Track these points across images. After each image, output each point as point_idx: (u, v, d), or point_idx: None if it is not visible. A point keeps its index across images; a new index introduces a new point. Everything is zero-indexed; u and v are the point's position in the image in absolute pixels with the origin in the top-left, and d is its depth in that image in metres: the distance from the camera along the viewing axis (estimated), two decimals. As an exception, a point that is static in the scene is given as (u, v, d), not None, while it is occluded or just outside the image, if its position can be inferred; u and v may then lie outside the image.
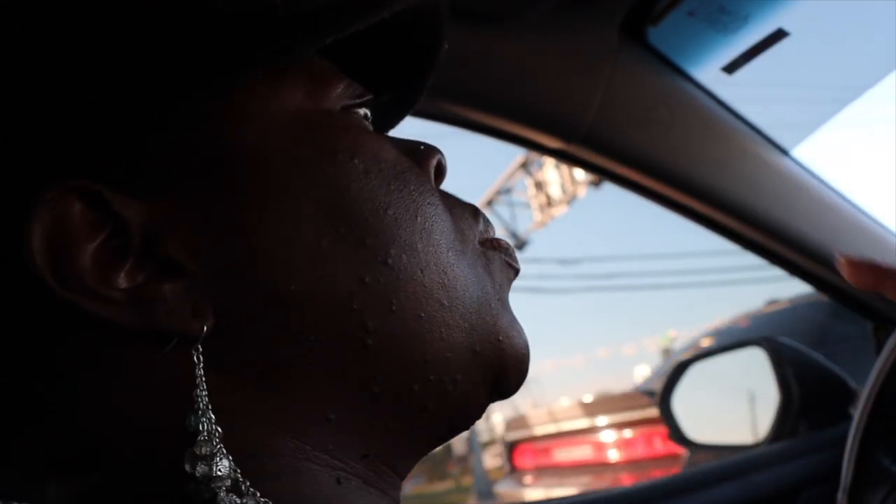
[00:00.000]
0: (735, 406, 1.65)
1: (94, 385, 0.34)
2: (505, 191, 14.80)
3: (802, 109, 1.20)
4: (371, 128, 0.42)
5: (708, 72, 1.01)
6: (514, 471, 4.82)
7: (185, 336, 0.33)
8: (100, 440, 0.34)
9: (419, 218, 0.39)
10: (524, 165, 14.01)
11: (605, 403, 4.08)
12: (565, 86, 0.94)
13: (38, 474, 0.36)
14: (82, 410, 0.34)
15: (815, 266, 1.21)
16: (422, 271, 0.38)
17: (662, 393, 1.58)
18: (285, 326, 0.35)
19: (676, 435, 1.54)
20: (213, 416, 0.33)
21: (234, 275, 0.34)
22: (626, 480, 3.40)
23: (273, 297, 0.35)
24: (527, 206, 14.63)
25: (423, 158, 0.44)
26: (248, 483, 0.33)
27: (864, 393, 1.12)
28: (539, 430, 4.49)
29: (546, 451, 4.45)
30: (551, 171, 13.67)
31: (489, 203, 14.84)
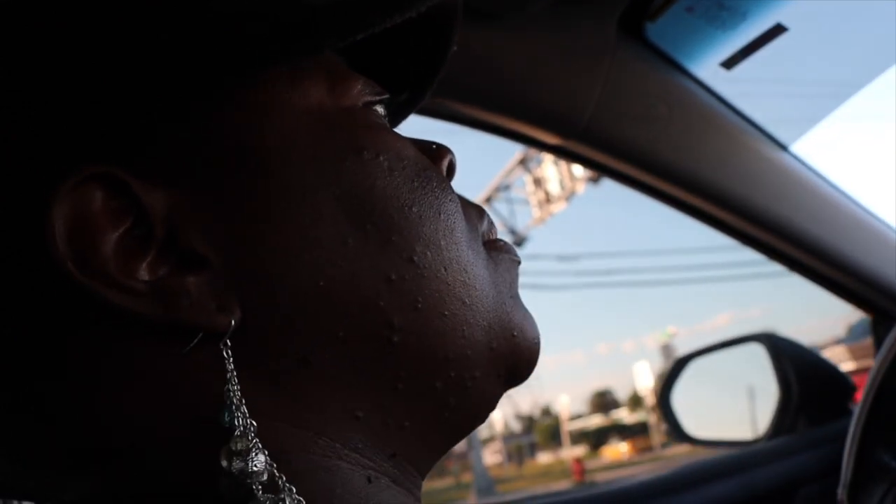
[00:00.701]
0: (735, 402, 1.65)
1: (115, 381, 0.34)
2: (504, 187, 14.82)
3: (801, 105, 1.20)
4: (388, 126, 0.42)
5: (706, 67, 1.01)
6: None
7: (212, 330, 0.33)
8: (121, 437, 0.34)
9: (442, 215, 0.39)
10: (523, 162, 14.03)
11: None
12: (564, 82, 0.94)
13: (57, 472, 0.36)
14: (103, 406, 0.34)
15: (813, 261, 1.21)
16: (445, 269, 0.38)
17: (662, 389, 1.59)
18: (312, 323, 0.35)
19: (676, 431, 1.54)
20: (246, 411, 0.32)
21: (258, 270, 0.34)
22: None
23: (299, 294, 0.34)
24: (525, 202, 14.66)
25: (437, 157, 0.44)
26: (284, 478, 0.32)
27: (865, 388, 1.12)
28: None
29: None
30: (550, 168, 13.70)
31: (488, 200, 14.86)
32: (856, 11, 1.05)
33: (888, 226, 1.24)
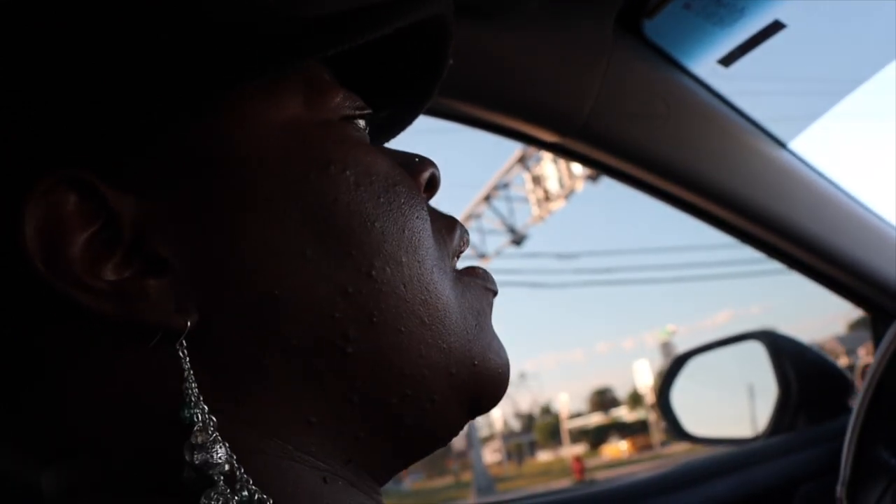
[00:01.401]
0: (734, 400, 1.65)
1: (82, 377, 0.35)
2: (503, 185, 14.81)
3: (799, 102, 1.20)
4: (367, 139, 0.43)
5: (704, 64, 1.01)
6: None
7: (169, 330, 0.34)
8: (89, 431, 0.35)
9: (406, 232, 0.39)
10: (522, 160, 14.03)
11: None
12: (561, 80, 0.94)
13: (30, 466, 0.37)
14: (72, 402, 0.35)
15: (812, 258, 1.20)
16: (405, 286, 0.39)
17: (660, 387, 1.58)
18: (267, 329, 0.36)
19: (675, 429, 1.54)
20: (205, 406, 0.34)
21: (218, 275, 0.35)
22: None
23: (256, 300, 0.36)
24: (525, 200, 14.65)
25: (417, 171, 0.44)
26: (242, 470, 0.34)
27: (863, 386, 1.12)
28: None
29: None
30: (549, 166, 13.69)
31: (487, 198, 14.86)
32: (854, 8, 1.05)
33: (887, 223, 1.24)
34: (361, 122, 0.43)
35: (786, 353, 1.38)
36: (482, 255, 15.01)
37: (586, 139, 1.00)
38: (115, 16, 0.34)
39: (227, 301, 0.35)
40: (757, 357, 1.41)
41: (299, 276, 0.36)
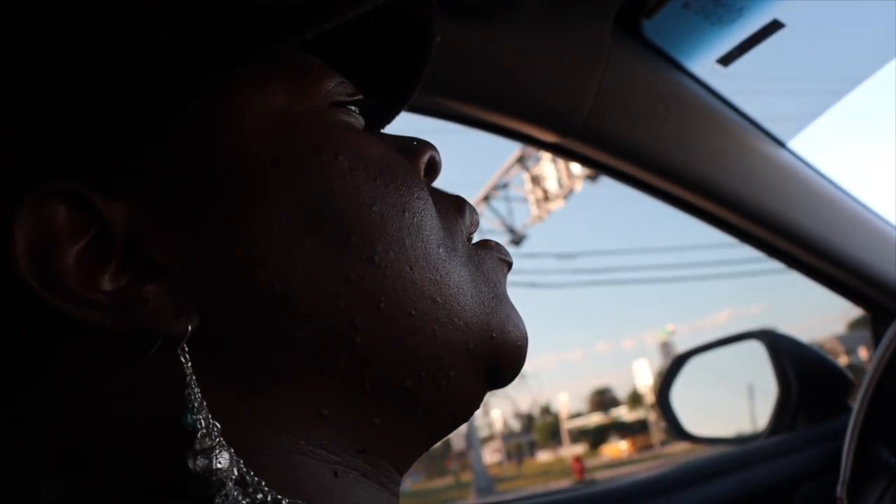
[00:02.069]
0: (734, 399, 1.65)
1: (85, 388, 0.34)
2: (502, 186, 14.82)
3: (798, 101, 1.20)
4: (360, 124, 0.42)
5: (703, 64, 1.01)
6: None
7: (170, 336, 0.33)
8: (94, 442, 0.34)
9: (407, 213, 0.39)
10: (521, 160, 14.03)
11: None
12: (560, 79, 0.94)
13: (28, 477, 0.36)
14: (75, 414, 0.34)
15: (812, 258, 1.20)
16: (411, 268, 0.38)
17: (660, 387, 1.58)
18: (271, 325, 0.35)
19: (675, 429, 1.54)
20: (208, 412, 0.33)
21: (216, 276, 0.35)
22: None
23: (257, 297, 0.35)
24: (524, 200, 14.66)
25: (415, 154, 0.44)
26: (252, 473, 0.33)
27: (863, 385, 1.12)
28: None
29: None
30: (548, 166, 13.70)
31: (486, 198, 14.86)
32: (853, 7, 1.05)
33: (886, 222, 1.23)
34: (354, 108, 0.42)
35: (786, 353, 1.38)
36: (481, 256, 14.95)
37: (585, 139, 1.00)
38: (88, 24, 0.33)
39: (228, 300, 0.35)
40: (757, 357, 1.41)
41: (299, 267, 0.36)
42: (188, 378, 0.33)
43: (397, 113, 0.52)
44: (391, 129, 0.51)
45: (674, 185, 1.08)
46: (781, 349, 1.38)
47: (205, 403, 0.33)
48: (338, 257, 0.36)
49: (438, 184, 0.46)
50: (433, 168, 0.45)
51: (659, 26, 0.94)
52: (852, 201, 1.20)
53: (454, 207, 0.43)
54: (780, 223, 1.14)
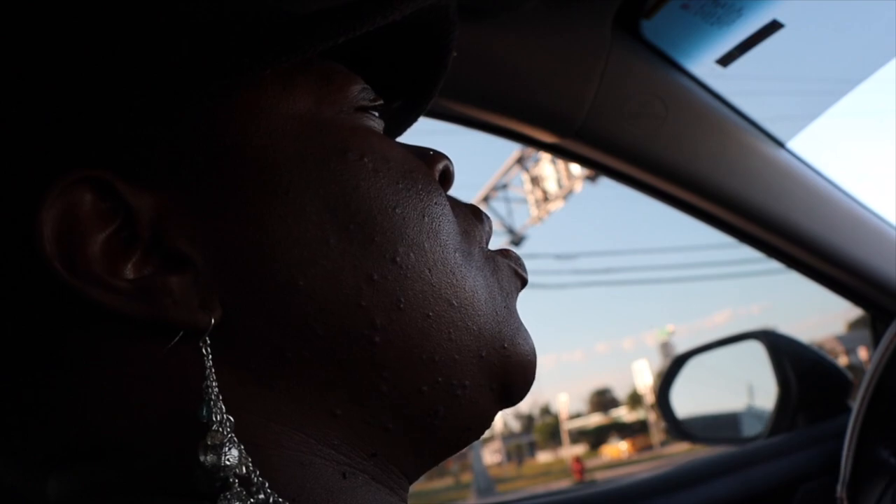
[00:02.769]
0: (734, 399, 1.65)
1: (101, 377, 0.35)
2: (501, 186, 14.82)
3: (798, 101, 1.20)
4: (381, 128, 0.43)
5: (702, 65, 1.01)
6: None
7: (193, 328, 0.34)
8: (107, 432, 0.35)
9: (426, 217, 0.39)
10: (520, 161, 14.04)
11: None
12: (560, 80, 0.94)
13: (43, 466, 0.37)
14: (89, 403, 0.35)
15: (811, 258, 1.20)
16: (430, 270, 0.38)
17: (660, 387, 1.58)
18: (292, 321, 0.35)
19: (675, 429, 1.54)
20: (223, 406, 0.33)
21: (240, 269, 0.35)
22: None
23: (279, 292, 0.35)
24: (523, 201, 14.67)
25: (431, 162, 0.44)
26: (258, 472, 0.33)
27: (863, 385, 1.12)
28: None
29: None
30: (547, 167, 13.71)
31: (486, 199, 14.87)
32: (852, 7, 1.05)
33: (886, 222, 1.23)
34: (375, 114, 0.43)
35: (785, 353, 1.38)
36: (481, 256, 14.96)
37: (585, 140, 1.00)
38: (125, 11, 0.34)
39: (251, 294, 0.35)
40: (756, 357, 1.41)
41: (323, 264, 0.36)
42: (207, 370, 0.34)
43: (410, 123, 0.52)
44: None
45: (673, 185, 1.08)
46: (781, 349, 1.38)
47: (220, 397, 0.33)
48: (361, 256, 0.37)
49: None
50: (447, 178, 0.46)
51: (658, 27, 0.94)
52: (851, 201, 1.20)
53: (472, 214, 0.44)
54: (779, 223, 1.14)
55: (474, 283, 0.40)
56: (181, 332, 0.34)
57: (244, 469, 0.33)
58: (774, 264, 1.26)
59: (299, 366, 0.36)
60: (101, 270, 0.33)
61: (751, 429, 1.54)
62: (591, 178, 13.04)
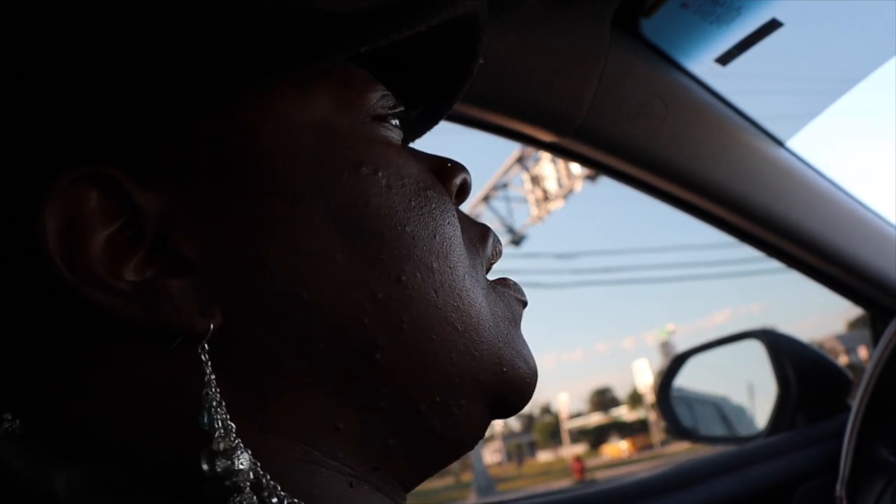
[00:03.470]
0: (734, 398, 1.65)
1: (101, 380, 0.34)
2: (501, 186, 14.82)
3: (797, 100, 1.20)
4: (399, 138, 0.42)
5: (702, 63, 1.01)
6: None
7: (192, 334, 0.33)
8: (108, 434, 0.34)
9: (437, 238, 0.39)
10: (520, 160, 14.04)
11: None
12: (559, 80, 0.94)
13: (45, 466, 0.36)
14: (90, 404, 0.34)
15: (811, 257, 1.20)
16: (436, 292, 0.38)
17: (660, 386, 1.58)
18: (293, 333, 0.35)
19: (675, 428, 1.54)
20: (226, 412, 0.33)
21: (243, 277, 0.34)
22: None
23: (282, 303, 0.35)
24: (523, 200, 14.66)
25: (448, 176, 0.43)
26: (268, 476, 0.33)
27: (862, 384, 1.12)
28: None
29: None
30: (547, 166, 13.70)
31: (486, 198, 14.87)
32: (851, 6, 1.05)
33: (885, 221, 1.23)
34: (394, 122, 0.42)
35: (785, 352, 1.38)
36: (481, 256, 14.95)
37: (584, 139, 1.00)
38: (124, 13, 0.33)
39: (253, 303, 0.34)
40: (756, 356, 1.41)
41: (329, 279, 0.35)
42: (207, 377, 0.33)
43: (429, 128, 0.52)
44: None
45: (673, 184, 1.08)
46: (781, 348, 1.38)
47: (223, 404, 0.33)
48: (367, 272, 0.36)
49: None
50: (464, 191, 0.45)
51: (657, 26, 0.94)
52: (851, 200, 1.20)
53: (479, 237, 0.44)
54: (779, 222, 1.14)
55: (479, 309, 0.40)
56: (180, 338, 0.33)
57: (252, 474, 0.32)
58: (774, 263, 1.26)
59: (299, 379, 0.35)
60: (102, 270, 0.32)
61: (738, 421, 1.55)
62: (591, 178, 13.03)
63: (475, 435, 0.41)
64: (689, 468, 1.19)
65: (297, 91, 0.37)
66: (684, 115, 1.03)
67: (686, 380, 1.54)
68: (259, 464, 0.33)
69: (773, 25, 0.94)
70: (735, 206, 1.12)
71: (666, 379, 1.57)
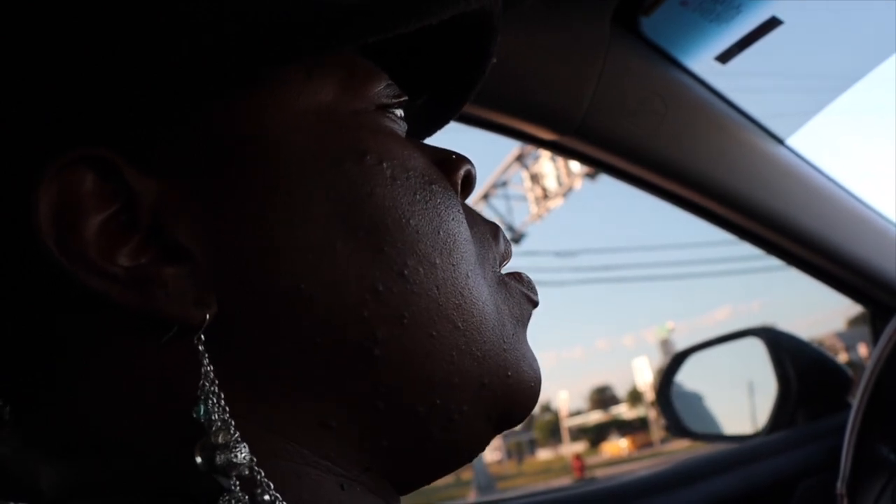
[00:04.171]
0: (734, 396, 1.66)
1: (95, 371, 0.34)
2: (501, 184, 14.82)
3: (797, 98, 1.20)
4: (403, 130, 0.41)
5: (701, 61, 1.01)
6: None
7: (185, 323, 0.32)
8: (100, 426, 0.34)
9: (441, 233, 0.38)
10: (520, 158, 14.04)
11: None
12: (559, 78, 0.94)
13: (30, 455, 0.36)
14: (84, 395, 0.34)
15: (811, 255, 1.20)
16: (438, 288, 0.37)
17: (660, 385, 1.58)
18: (290, 325, 0.34)
19: (675, 426, 1.54)
20: (225, 405, 0.32)
21: (240, 267, 0.33)
22: None
23: (279, 295, 0.34)
24: (523, 199, 14.66)
25: (453, 168, 0.43)
26: (262, 473, 0.32)
27: (862, 381, 1.12)
28: None
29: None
30: (547, 164, 13.70)
31: (485, 196, 14.86)
32: (851, 4, 1.05)
33: (885, 218, 1.23)
34: (399, 112, 0.41)
35: (785, 350, 1.38)
36: (481, 254, 14.96)
37: (584, 137, 0.99)
38: (121, 5, 0.32)
39: (250, 294, 0.33)
40: (756, 354, 1.41)
41: (328, 270, 0.34)
42: (203, 369, 0.32)
43: (439, 127, 0.51)
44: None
45: (672, 182, 1.08)
46: (781, 346, 1.38)
47: (222, 395, 0.32)
48: (368, 265, 0.35)
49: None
50: (469, 183, 0.44)
51: (657, 24, 0.94)
52: (850, 198, 1.20)
53: (490, 234, 0.43)
54: (778, 220, 1.14)
55: (483, 308, 0.39)
56: (175, 328, 0.32)
57: (247, 470, 0.32)
58: (774, 261, 1.26)
59: (294, 372, 0.34)
60: (95, 253, 0.31)
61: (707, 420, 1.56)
62: (591, 176, 13.03)
63: (475, 447, 0.40)
64: (689, 466, 1.19)
65: (301, 79, 0.36)
66: (684, 113, 1.02)
67: (686, 378, 1.54)
68: (255, 459, 0.32)
69: (772, 23, 0.94)
70: (735, 204, 1.11)
71: (666, 377, 1.57)
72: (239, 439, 0.32)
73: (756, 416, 1.44)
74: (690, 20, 0.93)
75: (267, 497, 0.32)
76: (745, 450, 1.23)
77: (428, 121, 0.50)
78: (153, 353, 0.33)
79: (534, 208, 14.39)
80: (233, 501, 0.31)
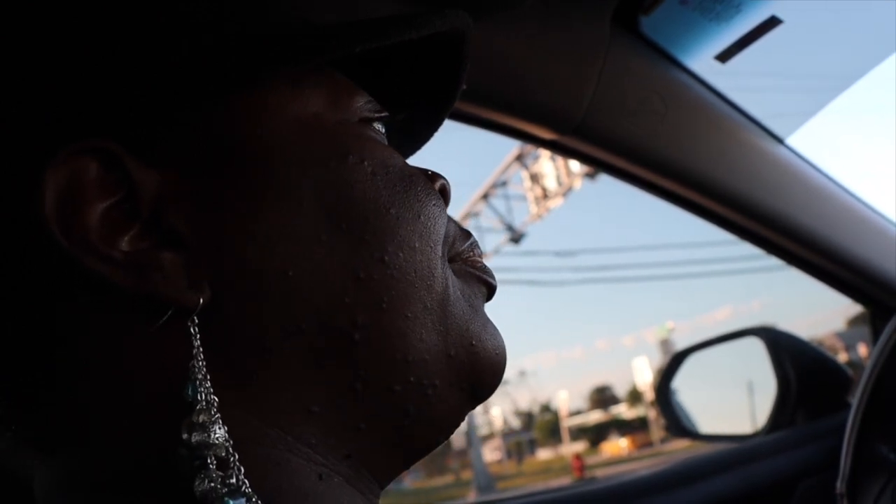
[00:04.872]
0: (733, 396, 1.66)
1: (94, 353, 0.35)
2: (500, 184, 14.83)
3: (797, 97, 1.20)
4: (385, 141, 0.44)
5: (701, 61, 1.01)
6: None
7: (181, 306, 0.34)
8: (96, 412, 0.35)
9: (422, 217, 0.41)
10: (519, 158, 14.04)
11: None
12: (559, 77, 0.94)
13: (28, 451, 0.37)
14: (80, 379, 0.35)
15: (811, 254, 1.20)
16: (414, 271, 0.40)
17: (660, 384, 1.59)
18: (276, 312, 0.36)
19: (674, 426, 1.54)
20: (210, 386, 0.34)
21: (233, 254, 0.36)
22: None
23: (268, 281, 0.36)
24: (522, 198, 14.66)
25: (430, 179, 0.45)
26: (236, 457, 0.33)
27: (862, 381, 1.12)
28: None
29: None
30: (547, 164, 13.70)
31: (485, 196, 14.87)
32: (850, 3, 1.05)
33: (885, 218, 1.24)
34: (380, 127, 0.44)
35: (785, 350, 1.38)
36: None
37: (584, 136, 1.00)
38: (126, 7, 0.35)
39: (239, 280, 0.36)
40: (756, 353, 1.42)
41: (313, 259, 0.37)
42: (195, 350, 0.34)
43: (423, 142, 0.54)
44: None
45: (672, 181, 1.08)
46: (781, 346, 1.39)
47: (208, 377, 0.34)
48: (351, 253, 0.38)
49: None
50: (444, 196, 0.47)
51: (657, 23, 0.94)
52: (850, 197, 1.20)
53: (462, 232, 0.46)
54: (778, 219, 1.14)
55: (444, 285, 0.41)
56: (170, 311, 0.34)
57: (223, 452, 0.33)
58: (774, 261, 1.26)
59: (278, 358, 0.36)
60: (97, 238, 0.33)
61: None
62: (591, 175, 13.03)
63: (450, 421, 0.42)
64: (689, 466, 1.19)
65: (292, 90, 0.39)
66: (684, 112, 1.03)
67: (686, 377, 1.54)
68: (231, 441, 0.34)
69: (772, 22, 0.94)
70: (735, 203, 1.12)
71: (665, 377, 1.57)
72: (218, 420, 0.33)
73: (756, 415, 1.44)
74: (690, 19, 0.93)
75: (233, 480, 0.33)
76: (745, 450, 1.24)
77: (410, 138, 0.53)
78: (149, 335, 0.35)
79: (533, 208, 14.39)
80: (206, 480, 0.32)
